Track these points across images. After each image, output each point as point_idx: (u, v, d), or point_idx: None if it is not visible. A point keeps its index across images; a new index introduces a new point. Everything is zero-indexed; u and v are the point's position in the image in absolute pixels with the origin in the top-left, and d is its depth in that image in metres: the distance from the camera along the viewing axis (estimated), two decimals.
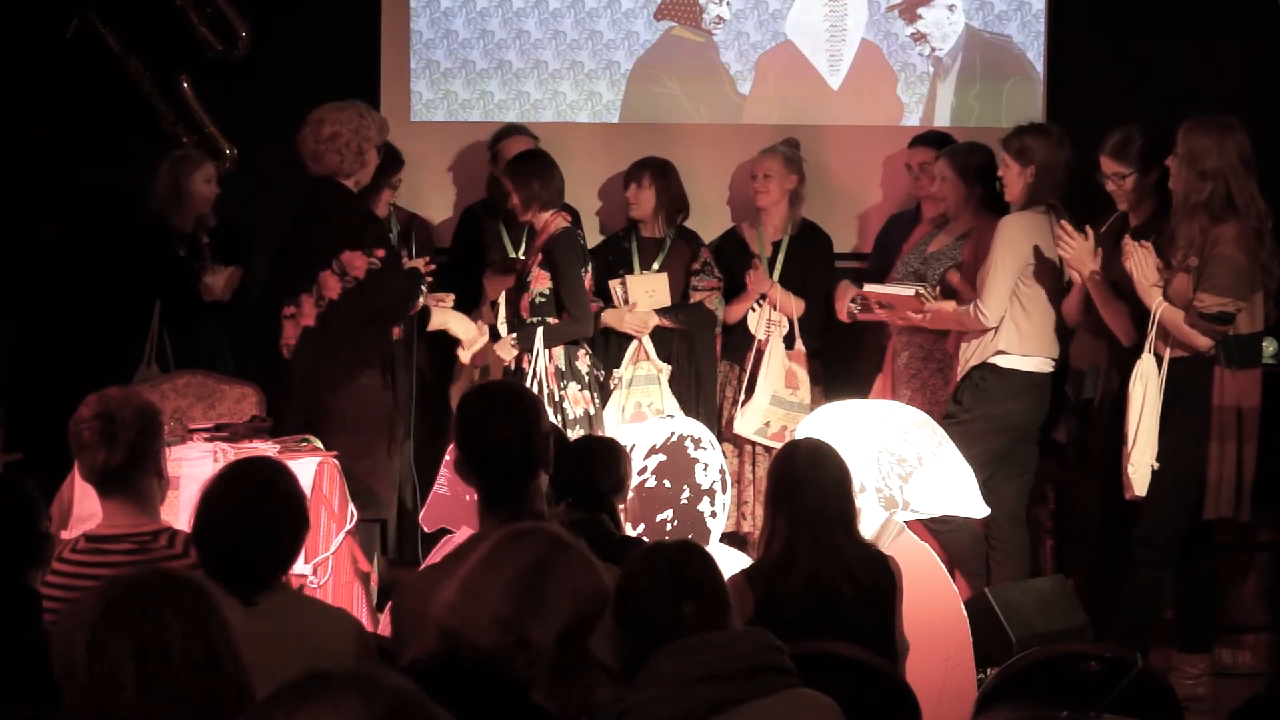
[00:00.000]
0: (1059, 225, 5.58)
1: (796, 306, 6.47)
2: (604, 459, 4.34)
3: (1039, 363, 5.86)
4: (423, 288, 5.82)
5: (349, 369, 5.56)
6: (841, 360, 6.66)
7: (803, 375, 6.43)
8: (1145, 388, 5.28)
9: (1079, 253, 5.51)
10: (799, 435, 4.90)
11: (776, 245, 6.60)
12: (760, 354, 6.46)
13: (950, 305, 5.94)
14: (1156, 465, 5.26)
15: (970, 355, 5.89)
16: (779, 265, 6.56)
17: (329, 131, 5.61)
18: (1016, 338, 5.81)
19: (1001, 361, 5.82)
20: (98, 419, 3.60)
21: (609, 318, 6.47)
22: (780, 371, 6.39)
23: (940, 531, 5.62)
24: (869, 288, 6.17)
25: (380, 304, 5.56)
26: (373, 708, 1.73)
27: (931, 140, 6.42)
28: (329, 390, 5.54)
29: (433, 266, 6.07)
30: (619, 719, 2.67)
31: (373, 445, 5.59)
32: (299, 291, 5.57)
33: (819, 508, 3.87)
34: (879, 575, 3.90)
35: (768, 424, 6.34)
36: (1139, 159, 5.54)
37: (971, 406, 5.83)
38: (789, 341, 6.45)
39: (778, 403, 6.31)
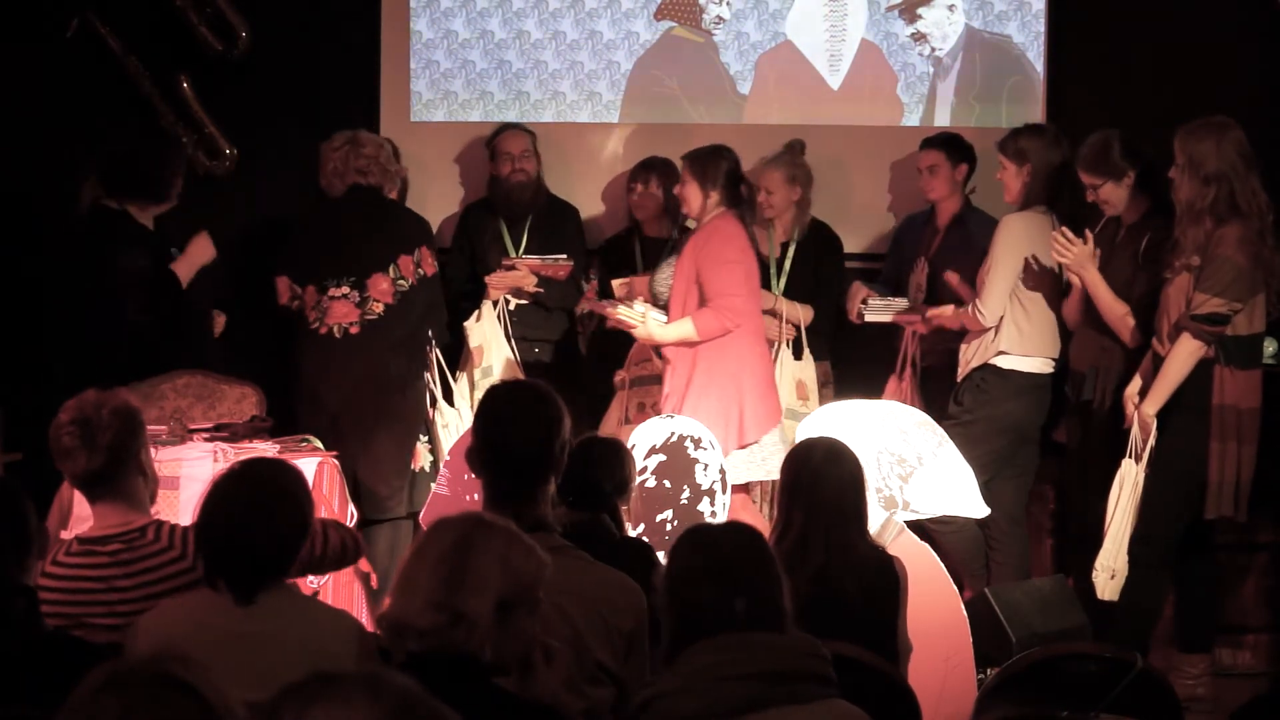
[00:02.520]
0: (1056, 231, 5.57)
1: (804, 314, 6.44)
2: (608, 460, 4.33)
3: (1040, 363, 5.86)
4: None
5: (416, 364, 5.95)
6: (853, 362, 6.65)
7: (812, 385, 6.37)
8: (1121, 491, 5.28)
9: (1079, 257, 5.51)
10: (800, 435, 4.90)
11: (785, 247, 6.59)
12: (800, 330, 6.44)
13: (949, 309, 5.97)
14: (1114, 576, 5.27)
15: (971, 356, 5.89)
16: (788, 266, 6.55)
17: (371, 151, 6.00)
18: (1018, 338, 5.82)
19: (1002, 362, 5.83)
20: (75, 423, 3.59)
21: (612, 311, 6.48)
22: (790, 383, 6.37)
23: (941, 532, 5.62)
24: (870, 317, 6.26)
25: (441, 295, 6.03)
26: (381, 707, 1.73)
27: (939, 142, 6.40)
28: (397, 387, 5.86)
29: None
30: (646, 705, 2.65)
31: (408, 442, 5.93)
32: (369, 271, 5.84)
33: (837, 503, 3.90)
34: (885, 576, 3.92)
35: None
36: (1112, 167, 5.53)
37: (972, 408, 5.84)
38: (796, 351, 6.42)
39: (790, 415, 6.23)
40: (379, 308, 5.81)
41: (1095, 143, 5.57)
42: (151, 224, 5.95)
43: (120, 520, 3.60)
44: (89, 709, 1.88)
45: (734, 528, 2.89)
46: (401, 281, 5.83)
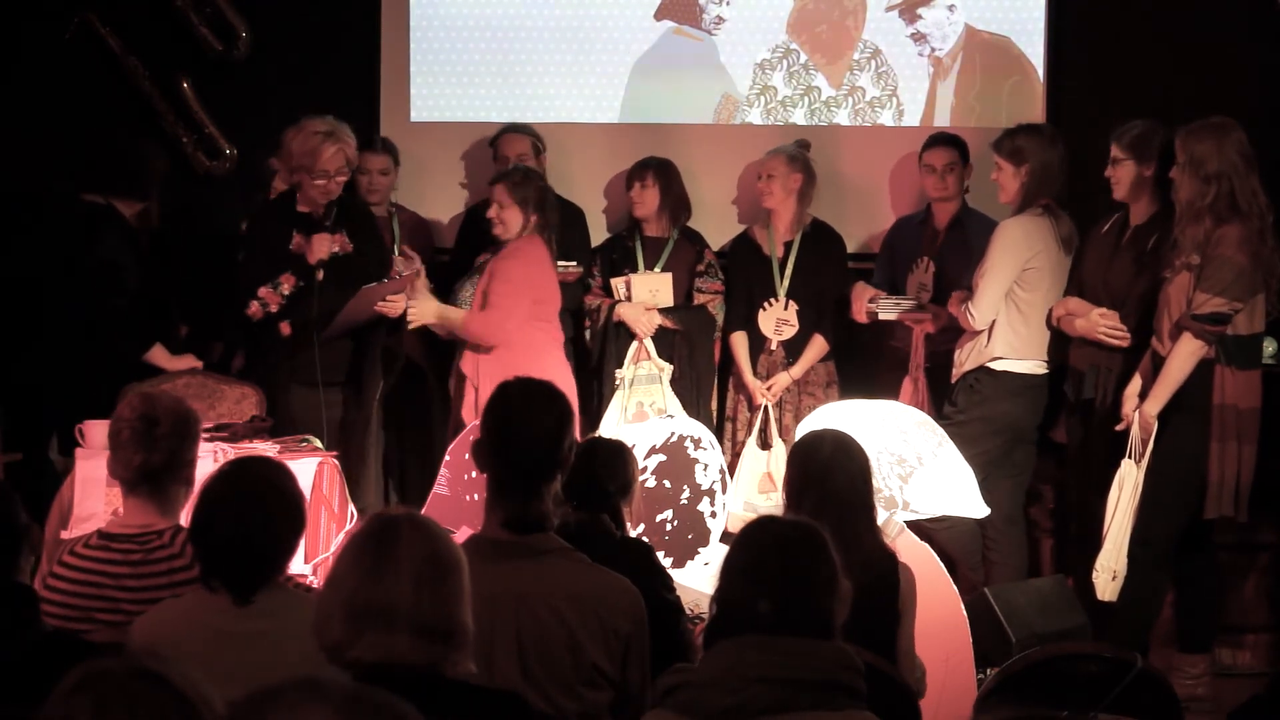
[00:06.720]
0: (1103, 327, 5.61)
1: (773, 389, 6.45)
2: (612, 461, 4.32)
3: (1033, 365, 5.87)
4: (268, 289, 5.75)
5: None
6: (855, 362, 6.65)
7: (780, 475, 6.25)
8: (1121, 492, 5.29)
9: (1089, 322, 5.55)
10: (802, 432, 4.89)
11: (788, 246, 6.59)
12: (768, 409, 6.44)
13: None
14: (1115, 577, 5.27)
15: (964, 359, 5.90)
16: (790, 266, 6.55)
17: (284, 139, 5.76)
18: (1014, 342, 5.82)
19: (996, 364, 5.84)
20: (140, 420, 3.61)
21: (624, 311, 6.47)
22: (751, 475, 6.34)
23: (936, 529, 5.62)
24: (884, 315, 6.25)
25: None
26: (330, 707, 1.73)
27: (953, 141, 6.41)
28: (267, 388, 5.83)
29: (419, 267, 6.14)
30: (670, 692, 2.64)
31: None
32: None
33: (848, 495, 3.88)
34: (888, 574, 3.90)
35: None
36: (1144, 150, 5.55)
37: (966, 408, 5.85)
38: (764, 438, 6.41)
39: (748, 508, 6.11)
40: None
41: (1141, 124, 5.59)
42: (134, 219, 6.07)
43: (145, 521, 3.62)
44: (63, 709, 1.89)
45: (792, 528, 2.81)
46: None
